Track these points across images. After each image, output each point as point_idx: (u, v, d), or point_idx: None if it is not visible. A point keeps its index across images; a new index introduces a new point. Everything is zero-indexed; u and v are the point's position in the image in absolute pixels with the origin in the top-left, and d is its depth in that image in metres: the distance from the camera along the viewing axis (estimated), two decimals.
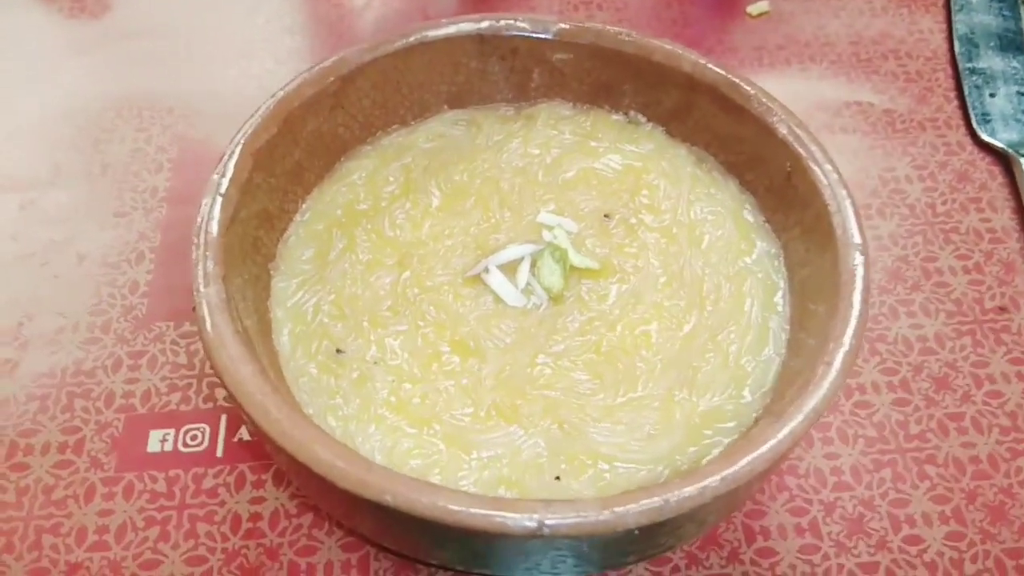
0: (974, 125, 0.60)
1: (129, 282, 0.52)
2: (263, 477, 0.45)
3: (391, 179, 0.47)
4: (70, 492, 0.44)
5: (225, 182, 0.40)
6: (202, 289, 0.36)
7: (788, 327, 0.42)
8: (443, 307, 0.42)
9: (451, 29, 0.47)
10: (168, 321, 0.51)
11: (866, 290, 0.37)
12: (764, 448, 0.32)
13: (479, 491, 0.37)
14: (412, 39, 0.47)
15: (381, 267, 0.43)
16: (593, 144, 0.49)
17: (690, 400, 0.39)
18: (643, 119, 0.49)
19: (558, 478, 0.37)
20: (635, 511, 0.31)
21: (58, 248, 0.54)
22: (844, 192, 0.40)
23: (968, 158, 0.59)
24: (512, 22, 0.48)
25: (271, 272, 0.43)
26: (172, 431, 0.46)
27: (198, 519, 0.43)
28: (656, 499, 0.31)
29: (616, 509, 0.31)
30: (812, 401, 0.34)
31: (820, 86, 0.63)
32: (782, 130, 0.43)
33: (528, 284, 0.42)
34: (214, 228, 0.38)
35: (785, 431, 0.33)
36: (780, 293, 0.43)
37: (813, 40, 0.66)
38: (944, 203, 0.56)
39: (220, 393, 0.48)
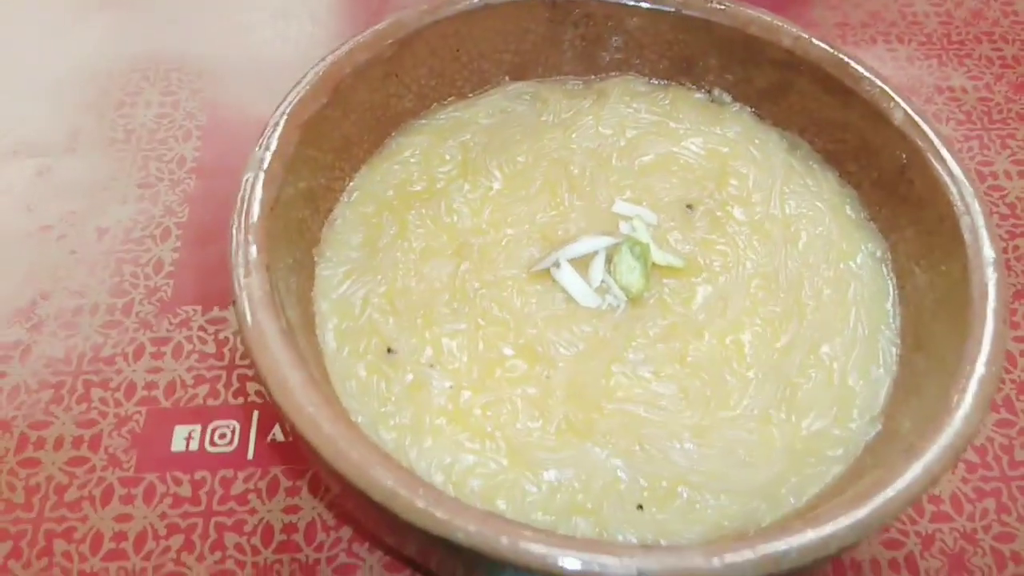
0: None
1: (154, 260, 0.48)
2: (298, 483, 0.40)
3: (447, 158, 0.42)
4: (85, 493, 0.40)
5: (269, 156, 0.35)
6: (243, 280, 0.31)
7: (899, 342, 0.37)
8: (507, 305, 0.37)
9: None
10: (196, 305, 0.46)
11: (1004, 309, 0.32)
12: (898, 487, 0.28)
13: (551, 520, 0.32)
14: (477, 1, 0.42)
15: (437, 256, 0.39)
16: (673, 125, 0.44)
17: (790, 422, 0.35)
18: (728, 98, 0.44)
19: (640, 507, 0.33)
20: (751, 561, 0.26)
21: (76, 221, 0.49)
22: (973, 192, 0.35)
23: None
24: None
25: (315, 259, 0.38)
26: (198, 428, 0.42)
27: (226, 528, 0.39)
28: (776, 546, 0.26)
29: (728, 558, 0.26)
30: (949, 434, 0.29)
31: (910, 69, 0.57)
32: (898, 116, 0.38)
33: (603, 282, 0.38)
34: (256, 209, 0.33)
35: (919, 468, 0.28)
36: (889, 301, 0.38)
37: (900, 19, 0.60)
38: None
39: (252, 387, 0.43)
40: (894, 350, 0.36)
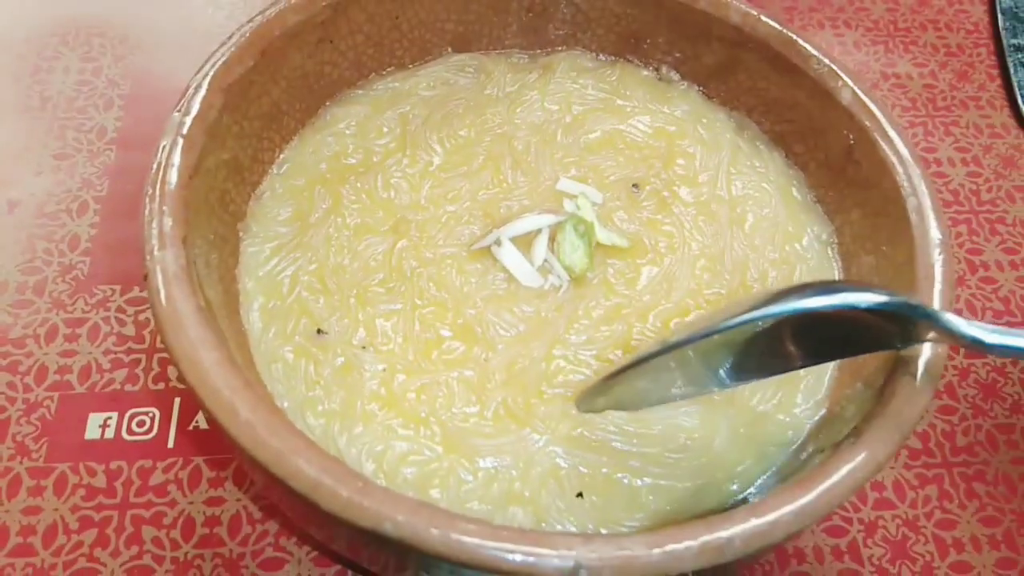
0: (1020, 106, 0.55)
1: (69, 236, 0.44)
2: (222, 474, 0.38)
3: (385, 130, 0.40)
4: None
5: (188, 121, 0.32)
6: (156, 252, 0.29)
7: None
8: (445, 284, 0.35)
9: None
10: (114, 284, 0.43)
11: (950, 291, 0.32)
12: (843, 473, 0.27)
13: (487, 509, 0.31)
14: None
15: (373, 233, 0.37)
16: (620, 103, 0.42)
17: (733, 406, 0.34)
18: (676, 76, 0.43)
19: (580, 495, 0.31)
20: (693, 551, 0.25)
21: None
22: (920, 173, 0.35)
23: (1014, 141, 0.54)
24: None
25: (240, 234, 0.36)
26: (115, 415, 0.39)
27: (143, 521, 0.37)
28: (719, 535, 0.25)
29: (670, 547, 0.25)
30: (893, 418, 0.28)
31: (856, 54, 0.57)
32: (845, 96, 0.37)
33: (546, 261, 0.36)
34: (173, 177, 0.31)
35: (863, 453, 0.27)
36: None
37: (847, 4, 0.60)
38: (989, 190, 0.51)
39: (174, 372, 0.41)
40: None
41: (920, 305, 0.27)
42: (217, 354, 0.28)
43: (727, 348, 0.29)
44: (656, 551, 0.25)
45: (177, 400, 0.40)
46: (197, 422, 0.39)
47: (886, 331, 0.27)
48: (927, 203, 0.34)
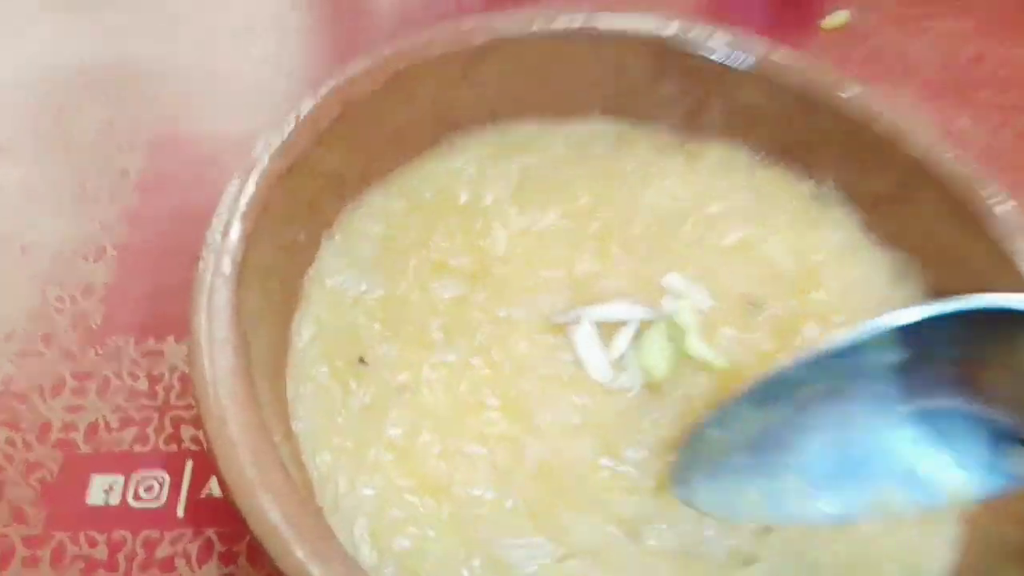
0: None
1: (83, 284, 0.42)
2: (235, 548, 0.34)
3: (504, 178, 0.38)
4: None
5: (292, 123, 0.31)
6: (219, 240, 0.28)
7: None
8: (508, 349, 0.32)
9: (626, 25, 0.38)
10: (128, 335, 0.40)
11: None
12: None
13: None
14: (576, 26, 0.38)
15: (452, 275, 0.34)
16: (768, 212, 0.38)
17: None
18: (838, 197, 0.38)
19: None
20: None
21: None
22: None
23: None
24: (701, 36, 0.38)
25: (322, 241, 0.35)
26: (121, 478, 0.36)
27: None
28: None
29: None
30: None
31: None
32: (1022, 264, 0.31)
33: (623, 357, 0.32)
34: (257, 175, 0.29)
35: None
36: None
37: (897, 61, 0.55)
38: None
39: (187, 433, 0.37)
40: None
41: None
42: (234, 361, 0.26)
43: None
44: None
45: (189, 463, 0.36)
46: (210, 489, 0.36)
47: None
48: None
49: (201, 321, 0.26)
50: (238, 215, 0.29)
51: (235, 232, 0.28)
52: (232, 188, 0.29)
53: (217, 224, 0.28)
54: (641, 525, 0.28)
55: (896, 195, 0.36)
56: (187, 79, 0.52)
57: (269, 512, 0.23)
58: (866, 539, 0.28)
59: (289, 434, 0.29)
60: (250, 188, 0.29)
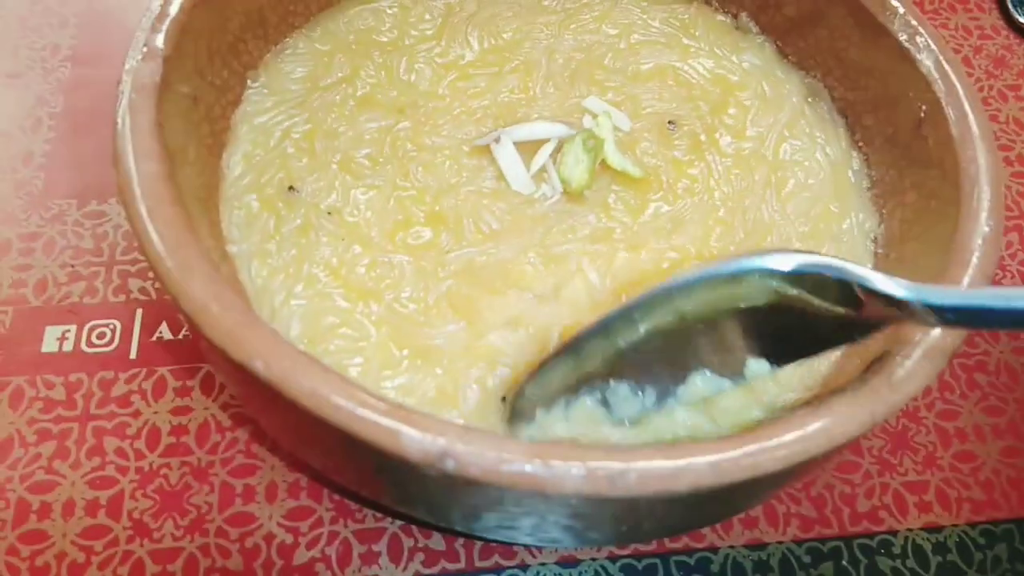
0: (1009, 7, 0.53)
1: (22, 153, 0.42)
2: (189, 383, 0.36)
3: (427, 16, 0.38)
4: None
5: None
6: (135, 63, 0.28)
7: None
8: (434, 171, 0.33)
9: None
10: (70, 199, 0.41)
11: (982, 280, 0.27)
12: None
13: (401, 397, 0.28)
14: None
15: (377, 108, 0.35)
16: (686, 41, 0.39)
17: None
18: (755, 27, 0.39)
19: (504, 399, 0.28)
20: (576, 476, 0.22)
21: None
22: (987, 153, 0.30)
23: (1004, 42, 0.52)
24: None
25: (248, 82, 0.35)
26: (73, 327, 0.37)
27: (105, 432, 0.35)
28: (610, 465, 0.22)
29: (553, 464, 0.22)
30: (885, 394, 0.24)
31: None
32: (926, 62, 0.32)
33: (543, 169, 0.33)
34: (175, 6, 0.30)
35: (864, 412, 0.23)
36: None
37: None
38: (981, 90, 0.50)
39: (135, 284, 0.38)
40: None
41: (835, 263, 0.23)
42: (158, 167, 0.26)
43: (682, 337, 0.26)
44: (536, 462, 0.22)
45: (139, 311, 0.38)
46: (161, 332, 0.37)
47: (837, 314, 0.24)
48: (986, 189, 0.29)
49: (124, 131, 0.26)
50: (157, 36, 0.29)
51: (154, 46, 0.29)
52: (151, 9, 0.29)
53: (135, 43, 0.28)
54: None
55: (807, 16, 0.37)
56: None
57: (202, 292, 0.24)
58: None
59: (225, 256, 0.30)
60: (170, 9, 0.29)
